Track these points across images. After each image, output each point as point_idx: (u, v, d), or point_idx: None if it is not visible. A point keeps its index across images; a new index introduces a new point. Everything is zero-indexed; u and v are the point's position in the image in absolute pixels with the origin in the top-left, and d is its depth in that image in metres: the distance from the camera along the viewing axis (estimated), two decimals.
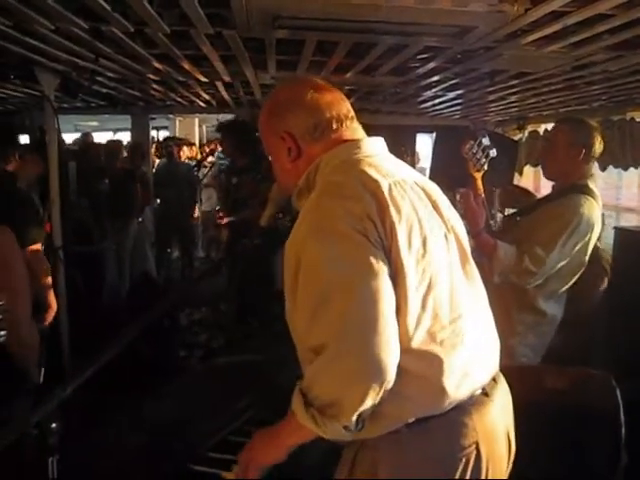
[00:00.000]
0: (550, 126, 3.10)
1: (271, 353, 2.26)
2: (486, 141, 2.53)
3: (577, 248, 2.50)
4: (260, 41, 2.72)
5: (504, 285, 2.50)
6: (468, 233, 1.61)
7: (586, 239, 2.52)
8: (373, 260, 1.24)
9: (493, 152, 2.54)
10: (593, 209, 2.53)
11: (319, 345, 1.24)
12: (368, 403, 1.22)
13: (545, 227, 2.52)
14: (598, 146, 2.62)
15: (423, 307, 1.31)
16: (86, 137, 7.98)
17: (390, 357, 1.22)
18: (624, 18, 2.01)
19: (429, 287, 1.32)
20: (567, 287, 2.64)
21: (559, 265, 2.51)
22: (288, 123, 1.47)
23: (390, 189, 1.33)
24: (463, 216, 1.73)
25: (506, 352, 1.65)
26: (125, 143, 7.14)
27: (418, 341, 1.30)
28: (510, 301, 2.58)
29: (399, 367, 1.24)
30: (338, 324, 1.22)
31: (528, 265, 2.45)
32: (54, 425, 1.27)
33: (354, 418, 1.24)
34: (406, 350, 1.27)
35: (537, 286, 2.56)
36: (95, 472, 1.70)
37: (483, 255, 2.47)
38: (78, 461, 1.63)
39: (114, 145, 6.36)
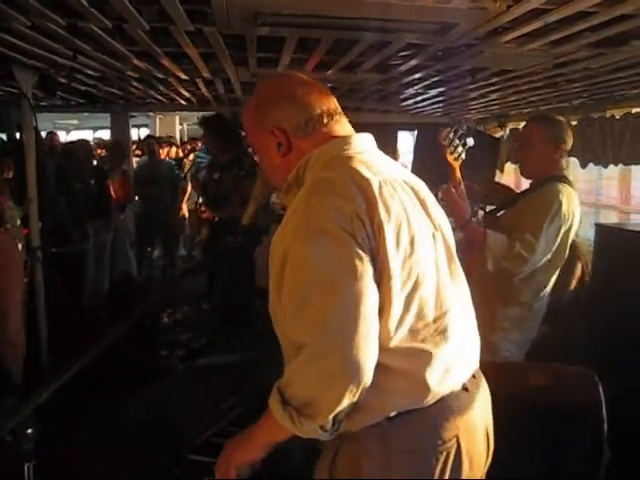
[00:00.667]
0: None
1: (254, 353, 2.25)
2: (463, 129, 2.55)
3: (561, 233, 2.54)
4: (241, 38, 2.70)
5: (489, 281, 2.51)
6: (454, 230, 1.61)
7: (568, 224, 2.56)
8: (358, 262, 1.23)
9: (470, 140, 2.56)
10: (572, 196, 2.60)
11: (300, 342, 1.24)
12: (344, 404, 1.22)
13: (529, 216, 2.56)
14: (570, 141, 2.69)
15: (407, 306, 1.31)
16: (52, 136, 7.89)
17: (368, 359, 1.22)
18: (605, 15, 2.02)
19: (415, 286, 1.32)
20: (552, 280, 2.67)
21: (548, 255, 2.53)
22: (278, 118, 1.44)
23: (380, 187, 1.32)
24: (448, 212, 1.74)
25: (489, 348, 1.65)
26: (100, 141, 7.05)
27: (399, 339, 1.30)
28: (495, 297, 2.60)
29: (381, 364, 1.25)
30: (318, 323, 1.22)
31: (520, 250, 2.46)
32: (30, 431, 1.24)
33: (330, 418, 1.24)
34: (387, 348, 1.27)
35: (522, 280, 2.58)
36: (76, 475, 1.67)
37: (473, 245, 2.49)
38: (58, 464, 1.61)
39: (84, 145, 6.27)
